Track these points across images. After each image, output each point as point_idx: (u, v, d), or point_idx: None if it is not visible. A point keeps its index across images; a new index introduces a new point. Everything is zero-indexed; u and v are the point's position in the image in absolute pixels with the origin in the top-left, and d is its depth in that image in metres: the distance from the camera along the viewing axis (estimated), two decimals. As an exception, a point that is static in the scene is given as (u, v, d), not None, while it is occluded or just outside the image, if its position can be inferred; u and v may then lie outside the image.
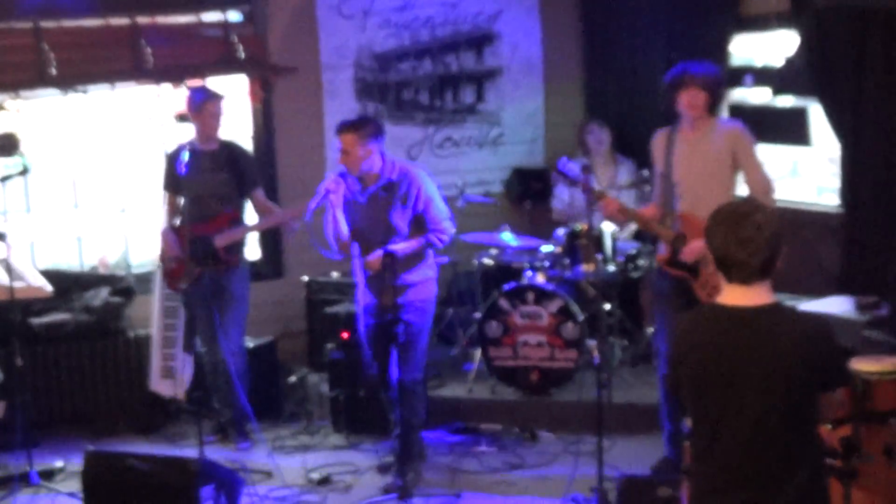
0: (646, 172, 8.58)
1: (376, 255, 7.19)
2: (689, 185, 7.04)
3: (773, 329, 4.06)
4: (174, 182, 8.19)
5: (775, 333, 4.05)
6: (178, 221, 8.26)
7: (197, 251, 7.92)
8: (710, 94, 7.03)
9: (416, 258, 7.39)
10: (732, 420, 4.09)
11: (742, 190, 7.21)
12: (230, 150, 8.28)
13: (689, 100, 6.97)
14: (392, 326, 7.17)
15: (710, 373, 4.13)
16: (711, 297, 4.58)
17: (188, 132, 8.30)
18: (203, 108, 8.09)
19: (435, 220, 7.37)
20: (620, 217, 7.48)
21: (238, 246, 8.27)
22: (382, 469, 7.74)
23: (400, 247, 7.25)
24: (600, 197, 7.28)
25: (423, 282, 7.48)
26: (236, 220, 8.24)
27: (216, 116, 8.14)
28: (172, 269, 8.25)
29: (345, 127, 7.33)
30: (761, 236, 4.06)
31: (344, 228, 7.32)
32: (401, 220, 7.30)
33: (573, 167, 7.54)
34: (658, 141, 7.27)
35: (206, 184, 8.05)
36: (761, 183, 6.98)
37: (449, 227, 7.45)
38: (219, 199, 8.13)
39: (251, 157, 8.57)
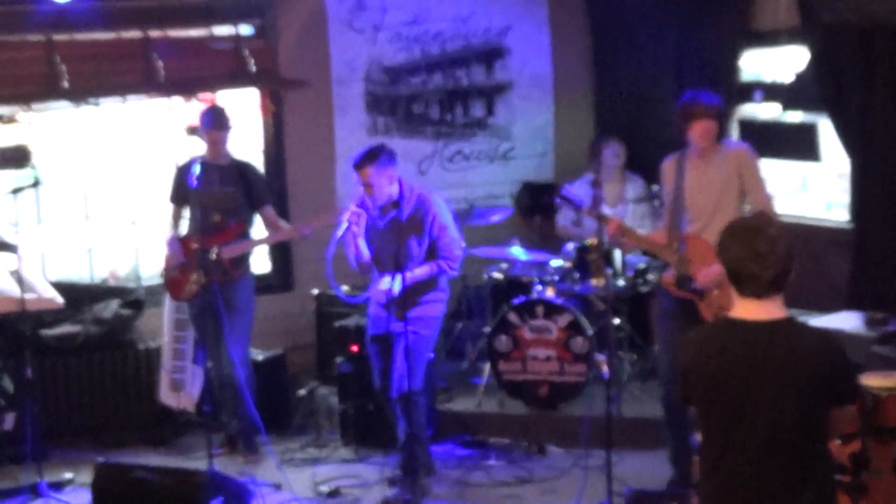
0: (655, 188, 8.59)
1: (387, 287, 7.34)
2: (700, 210, 7.07)
3: (786, 344, 4.07)
4: (181, 195, 8.25)
5: (788, 348, 4.06)
6: (182, 233, 8.31)
7: (201, 262, 7.95)
8: (719, 123, 7.09)
9: (429, 284, 7.50)
10: (743, 434, 4.09)
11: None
12: (240, 167, 8.35)
13: (701, 131, 7.00)
14: (397, 335, 7.33)
15: (721, 386, 4.13)
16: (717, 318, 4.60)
17: (199, 145, 8.34)
18: (206, 133, 8.18)
19: (447, 248, 7.49)
20: (625, 241, 7.51)
21: (243, 259, 8.30)
22: (391, 482, 7.74)
23: (414, 273, 7.36)
24: (605, 221, 7.30)
25: (434, 302, 7.60)
26: (242, 233, 8.28)
27: (216, 145, 8.19)
28: (175, 279, 8.28)
29: (362, 161, 7.39)
30: (775, 250, 4.07)
31: (366, 253, 7.50)
32: (417, 247, 7.41)
33: (577, 189, 7.56)
34: (668, 167, 7.29)
35: (215, 197, 8.10)
36: (763, 202, 7.00)
37: (459, 255, 7.60)
38: (226, 212, 8.17)
39: (261, 174, 8.62)
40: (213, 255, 7.88)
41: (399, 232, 7.37)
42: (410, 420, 7.43)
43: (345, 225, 7.32)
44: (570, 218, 9.52)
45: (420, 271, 7.42)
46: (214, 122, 8.18)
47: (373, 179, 7.32)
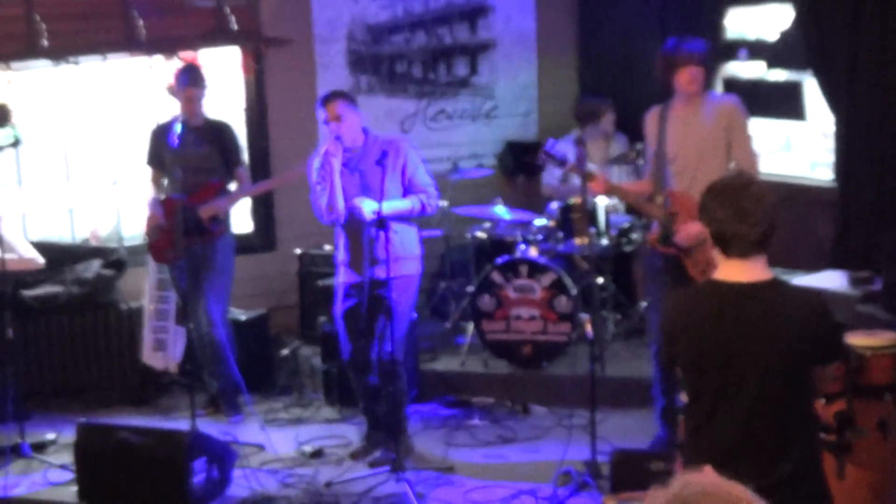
0: (639, 146, 8.56)
1: (372, 210, 7.14)
2: (685, 162, 7.02)
3: (772, 304, 4.06)
4: (158, 157, 8.22)
5: (774, 308, 4.05)
6: (163, 195, 8.26)
7: (183, 222, 7.89)
8: (706, 71, 7.01)
9: (404, 233, 7.39)
10: (730, 395, 4.09)
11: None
12: (215, 127, 8.29)
13: (688, 77, 6.92)
14: (378, 300, 7.22)
15: (708, 348, 4.12)
16: (704, 275, 4.57)
17: (176, 105, 8.25)
18: (183, 91, 8.10)
19: (423, 186, 7.35)
20: (608, 194, 7.48)
21: (223, 217, 8.26)
22: (369, 445, 7.67)
23: (393, 205, 7.19)
24: (590, 178, 7.25)
25: (408, 258, 7.42)
26: (222, 190, 8.23)
27: (193, 102, 8.12)
28: (158, 241, 8.23)
29: (332, 95, 7.36)
30: (760, 208, 4.05)
31: (340, 198, 7.25)
32: (393, 188, 7.26)
33: (562, 147, 7.52)
34: (650, 118, 7.24)
35: (192, 156, 8.03)
36: (748, 159, 6.94)
37: (435, 194, 7.43)
38: (202, 172, 8.12)
39: (236, 136, 8.50)
40: (195, 215, 7.86)
41: (374, 173, 7.22)
42: (392, 384, 7.38)
43: (322, 155, 7.22)
44: (556, 176, 9.47)
45: (401, 203, 7.26)
46: (190, 80, 8.12)
47: (340, 110, 7.22)
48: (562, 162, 7.40)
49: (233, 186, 8.38)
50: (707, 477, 2.55)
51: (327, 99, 7.33)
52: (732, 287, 4.12)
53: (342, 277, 7.50)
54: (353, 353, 7.47)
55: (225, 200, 8.23)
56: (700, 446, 4.21)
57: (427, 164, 7.55)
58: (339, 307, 7.50)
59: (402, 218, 7.31)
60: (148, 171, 8.38)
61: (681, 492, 2.48)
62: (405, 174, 7.31)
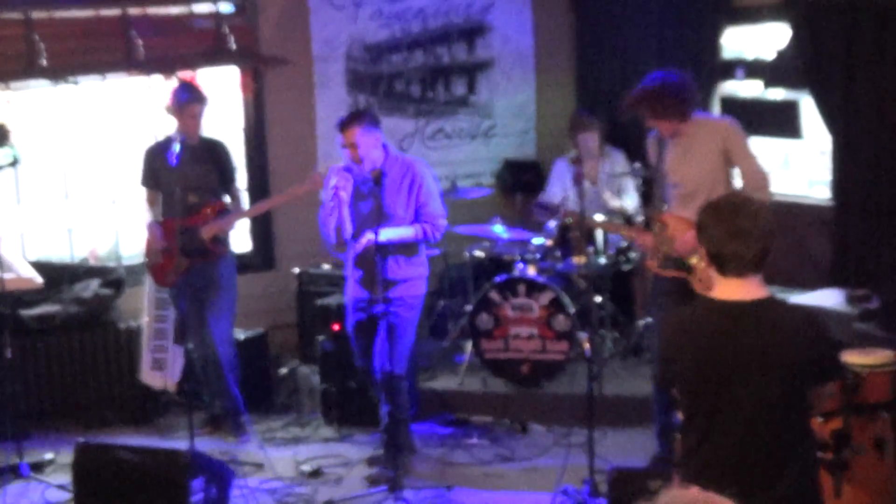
0: (637, 165, 8.58)
1: (367, 240, 7.18)
2: (686, 186, 7.00)
3: (768, 323, 4.06)
4: (153, 177, 8.22)
5: (770, 327, 4.05)
6: (160, 216, 8.27)
7: (184, 243, 7.89)
8: (674, 105, 6.97)
9: (409, 251, 7.40)
10: (726, 414, 4.09)
11: (738, 184, 7.19)
12: (211, 145, 8.29)
13: (661, 129, 6.98)
14: (380, 317, 7.23)
15: (704, 367, 4.13)
16: (708, 290, 4.57)
17: (174, 124, 8.25)
18: (185, 108, 8.08)
19: (432, 215, 7.38)
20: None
21: (224, 237, 8.26)
22: (372, 462, 7.73)
23: (392, 233, 7.24)
24: (630, 238, 7.28)
25: (415, 279, 7.49)
26: (222, 210, 8.24)
27: (196, 118, 8.13)
28: (159, 264, 8.23)
29: (348, 121, 7.32)
30: (757, 227, 4.06)
31: (348, 227, 7.32)
32: (402, 213, 7.30)
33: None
34: (651, 143, 7.27)
35: (189, 176, 8.00)
36: (757, 176, 6.89)
37: (443, 224, 7.48)
38: (202, 191, 8.13)
39: (230, 155, 8.48)
40: (196, 235, 7.88)
41: (386, 197, 7.25)
42: (393, 403, 7.40)
43: (333, 184, 7.22)
44: (556, 196, 9.44)
45: (403, 231, 7.30)
46: (193, 96, 8.12)
47: (358, 139, 7.20)
48: (554, 211, 7.43)
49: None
50: (693, 492, 2.56)
51: (343, 124, 7.30)
52: (728, 306, 4.12)
53: (350, 292, 7.59)
54: (366, 366, 7.56)
55: (226, 220, 8.24)
56: (697, 464, 4.21)
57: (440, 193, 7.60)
58: (350, 322, 7.63)
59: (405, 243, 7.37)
60: (143, 193, 8.38)
61: None
62: (419, 199, 7.33)
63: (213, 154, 8.23)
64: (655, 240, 7.08)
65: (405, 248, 7.39)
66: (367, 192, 7.31)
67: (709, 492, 2.53)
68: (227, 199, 8.33)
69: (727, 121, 7.13)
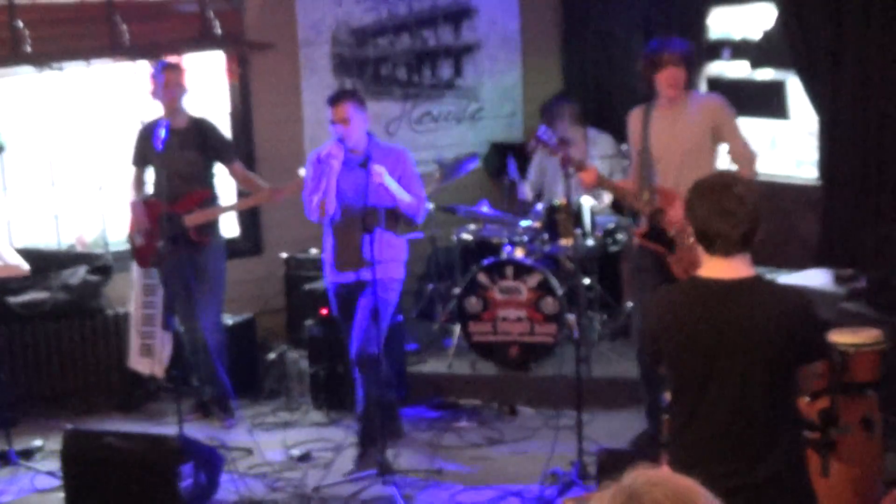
0: (624, 147, 8.57)
1: (378, 171, 7.18)
2: (670, 161, 7.00)
3: (754, 302, 4.07)
4: (143, 157, 8.19)
5: (756, 306, 4.05)
6: (145, 198, 8.25)
7: (166, 229, 7.87)
8: (688, 71, 7.01)
9: (395, 226, 7.42)
10: (713, 393, 4.09)
11: (723, 163, 7.18)
12: (199, 127, 8.21)
13: (668, 79, 6.91)
14: (359, 297, 7.28)
15: (691, 346, 4.13)
16: (688, 274, 4.58)
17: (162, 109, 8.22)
18: (161, 79, 8.04)
19: (417, 195, 7.41)
20: (598, 186, 7.41)
21: (210, 226, 8.22)
22: (361, 448, 7.70)
23: (394, 184, 7.23)
24: (581, 168, 7.21)
25: (394, 261, 7.48)
26: (208, 199, 8.20)
27: (176, 86, 8.08)
28: (141, 246, 8.21)
29: (340, 94, 7.39)
30: (743, 207, 4.06)
31: (333, 200, 7.27)
32: (387, 194, 7.28)
33: (553, 136, 7.47)
34: (634, 118, 7.22)
35: (176, 162, 7.96)
36: (745, 154, 6.93)
37: (424, 207, 7.50)
38: (188, 178, 8.08)
39: (220, 132, 8.44)
40: (180, 224, 7.86)
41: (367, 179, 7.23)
42: (374, 384, 7.39)
43: (325, 153, 7.20)
44: (526, 192, 9.40)
45: (401, 192, 7.29)
46: (164, 65, 8.10)
47: (350, 113, 7.23)
48: (553, 149, 7.32)
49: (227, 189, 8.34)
50: (659, 470, 2.59)
51: (335, 99, 7.34)
52: (715, 284, 4.13)
53: (329, 277, 7.60)
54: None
55: (210, 211, 8.19)
56: (684, 444, 4.21)
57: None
58: (334, 307, 7.67)
59: (394, 215, 7.34)
60: (132, 172, 8.35)
61: (630, 484, 2.51)
62: (402, 181, 7.35)
63: (200, 136, 8.15)
64: (645, 209, 7.06)
65: (392, 222, 7.39)
66: (351, 171, 7.29)
67: (686, 474, 2.54)
68: (216, 184, 8.29)
69: (718, 98, 7.12)
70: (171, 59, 8.31)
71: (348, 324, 7.51)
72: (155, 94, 8.12)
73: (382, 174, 7.17)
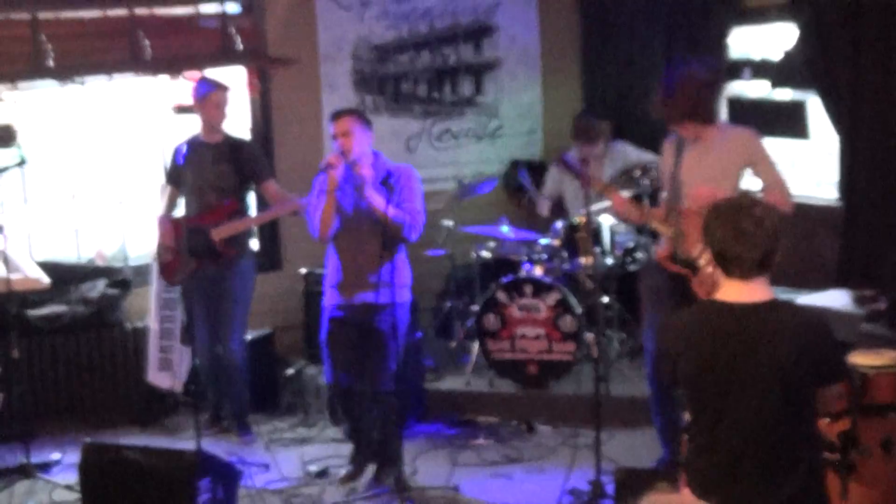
0: (648, 157, 8.55)
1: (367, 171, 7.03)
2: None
3: (772, 326, 4.06)
4: (176, 175, 8.16)
5: (774, 329, 4.05)
6: (173, 214, 8.26)
7: (193, 243, 7.87)
8: (702, 104, 6.90)
9: (399, 259, 7.22)
10: (732, 415, 4.09)
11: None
12: (233, 144, 8.22)
13: (683, 130, 6.89)
14: (368, 326, 7.12)
15: (709, 369, 4.12)
16: (710, 296, 4.55)
17: (187, 124, 8.22)
18: (208, 98, 8.06)
19: (413, 210, 7.12)
20: (628, 211, 7.28)
21: (238, 239, 8.16)
22: (353, 471, 7.59)
23: (378, 198, 7.01)
24: (608, 192, 7.13)
25: (402, 286, 7.23)
26: (236, 212, 8.18)
27: (220, 107, 8.11)
28: (168, 262, 8.21)
29: (344, 111, 7.26)
30: (761, 230, 4.05)
31: (333, 215, 7.10)
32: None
33: (577, 162, 7.41)
34: (667, 147, 7.12)
35: (205, 175, 8.01)
36: (777, 186, 6.75)
37: (421, 222, 7.17)
38: (217, 191, 8.08)
39: (257, 150, 8.45)
40: (205, 236, 7.87)
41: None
42: (386, 418, 7.23)
43: (323, 167, 7.07)
44: (546, 207, 9.39)
45: (377, 198, 7.02)
46: (213, 85, 8.11)
47: (353, 127, 7.09)
48: (578, 174, 7.26)
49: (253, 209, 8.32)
50: (677, 496, 2.58)
51: (337, 115, 7.22)
52: (732, 308, 4.12)
53: (328, 300, 7.36)
54: (337, 379, 7.34)
55: (239, 223, 8.14)
56: (702, 465, 4.21)
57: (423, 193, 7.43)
58: (323, 332, 7.36)
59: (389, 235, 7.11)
60: (166, 189, 8.34)
61: None
62: (401, 195, 7.11)
63: (234, 153, 8.16)
64: (670, 231, 6.98)
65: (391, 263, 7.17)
66: (350, 189, 7.17)
67: (704, 495, 2.53)
68: (248, 199, 8.28)
69: (749, 132, 6.92)
70: (221, 80, 8.28)
71: (337, 354, 7.28)
72: (195, 106, 8.06)
73: (368, 174, 7.04)
